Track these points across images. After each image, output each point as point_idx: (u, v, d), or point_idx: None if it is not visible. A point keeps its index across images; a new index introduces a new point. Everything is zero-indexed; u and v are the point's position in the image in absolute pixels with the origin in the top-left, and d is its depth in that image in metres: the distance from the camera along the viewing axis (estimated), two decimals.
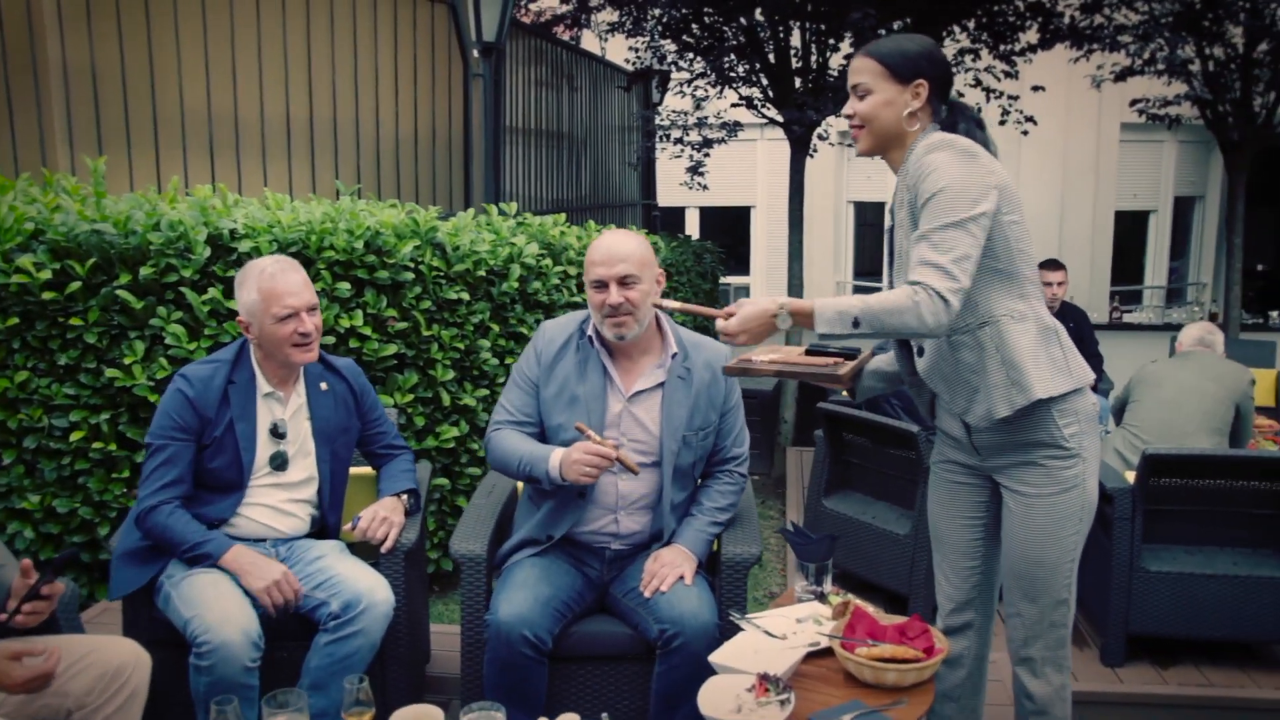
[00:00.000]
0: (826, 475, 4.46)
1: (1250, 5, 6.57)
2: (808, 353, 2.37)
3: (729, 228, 12.51)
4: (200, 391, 2.63)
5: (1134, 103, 7.93)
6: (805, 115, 6.72)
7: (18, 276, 3.33)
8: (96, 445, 3.51)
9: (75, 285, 3.39)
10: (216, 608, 2.43)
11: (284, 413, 2.75)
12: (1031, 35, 7.47)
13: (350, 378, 2.90)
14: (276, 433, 2.72)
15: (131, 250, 3.46)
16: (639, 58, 7.96)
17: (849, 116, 2.27)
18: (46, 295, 3.36)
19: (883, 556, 4.10)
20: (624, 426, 2.70)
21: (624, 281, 2.61)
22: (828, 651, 2.28)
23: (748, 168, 12.30)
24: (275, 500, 2.74)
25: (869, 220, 15.15)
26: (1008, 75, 7.59)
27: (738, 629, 2.40)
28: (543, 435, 2.75)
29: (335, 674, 2.49)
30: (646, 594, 2.58)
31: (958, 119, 2.27)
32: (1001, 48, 7.46)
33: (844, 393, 2.52)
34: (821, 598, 2.49)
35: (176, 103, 5.26)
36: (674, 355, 2.73)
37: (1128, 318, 12.98)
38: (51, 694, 2.09)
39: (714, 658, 2.22)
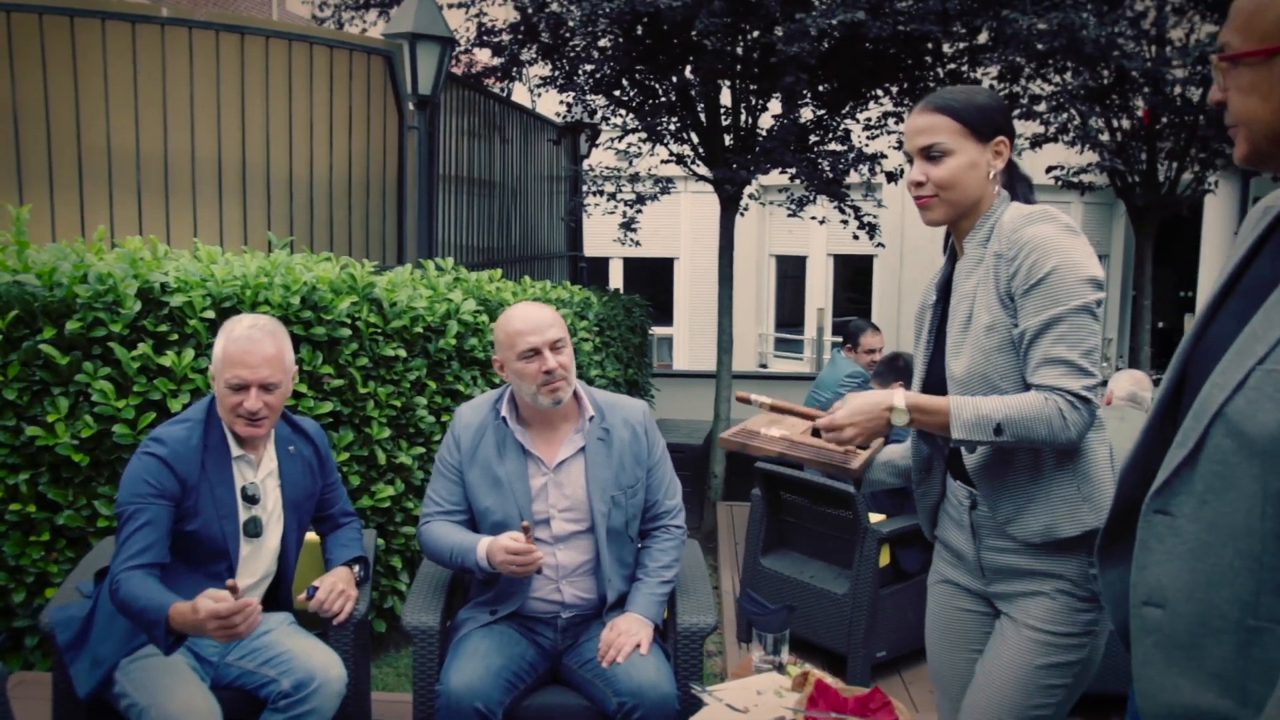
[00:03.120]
0: (764, 534, 4.47)
1: (1154, 81, 6.89)
2: (813, 432, 2.09)
3: (652, 278, 12.60)
4: (176, 452, 2.43)
5: (1050, 169, 8.23)
6: (737, 174, 6.82)
7: None
8: (14, 506, 3.34)
9: None
10: (178, 695, 2.31)
11: (254, 476, 2.59)
12: None
13: (316, 440, 2.76)
14: (248, 496, 2.54)
15: (56, 303, 3.34)
16: (570, 111, 7.99)
17: (919, 184, 1.93)
18: None
19: (821, 616, 4.12)
20: (551, 499, 2.68)
21: (555, 346, 2.60)
22: None
23: (671, 219, 12.45)
24: (249, 570, 2.57)
25: (789, 273, 15.42)
26: None
27: (698, 701, 2.37)
28: (473, 520, 2.72)
29: None
30: (604, 664, 2.54)
31: (1015, 181, 1.99)
32: None
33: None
34: (780, 668, 2.48)
35: (103, 145, 5.10)
36: (591, 418, 2.71)
37: None
38: None
39: None
